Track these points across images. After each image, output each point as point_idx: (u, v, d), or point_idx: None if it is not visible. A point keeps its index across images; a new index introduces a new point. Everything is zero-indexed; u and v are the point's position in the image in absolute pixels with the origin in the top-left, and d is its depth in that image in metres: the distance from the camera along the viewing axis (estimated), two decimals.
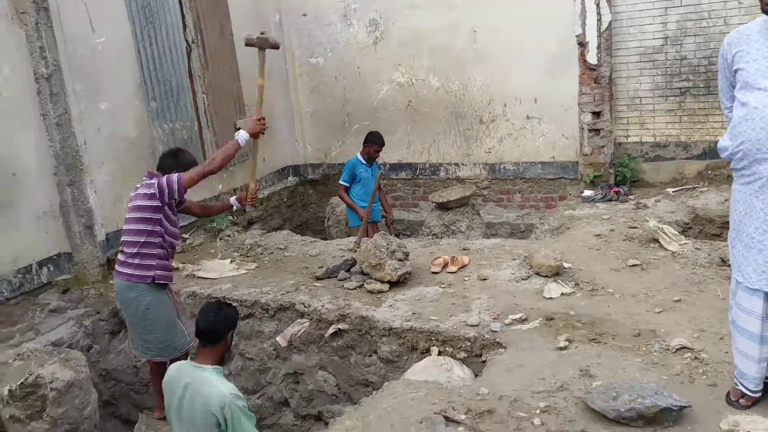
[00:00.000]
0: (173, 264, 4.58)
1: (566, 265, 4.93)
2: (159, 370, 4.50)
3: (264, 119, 4.67)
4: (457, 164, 8.15)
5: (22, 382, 4.26)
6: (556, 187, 7.69)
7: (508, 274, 4.96)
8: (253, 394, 5.20)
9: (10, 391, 4.23)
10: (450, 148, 8.15)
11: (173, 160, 4.42)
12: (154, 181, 4.20)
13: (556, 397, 3.28)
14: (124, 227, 4.32)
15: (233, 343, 3.37)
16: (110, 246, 5.94)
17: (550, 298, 4.47)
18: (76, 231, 5.74)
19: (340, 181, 6.84)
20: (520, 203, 7.95)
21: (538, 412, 3.15)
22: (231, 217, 7.47)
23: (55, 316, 5.59)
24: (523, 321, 4.19)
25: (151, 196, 4.16)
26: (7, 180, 5.26)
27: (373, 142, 6.75)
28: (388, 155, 8.35)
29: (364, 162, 6.79)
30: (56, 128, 5.54)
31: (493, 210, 8.06)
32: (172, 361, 4.47)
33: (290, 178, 9.02)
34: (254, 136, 4.54)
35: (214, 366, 3.21)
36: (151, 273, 4.21)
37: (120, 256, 4.31)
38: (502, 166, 7.91)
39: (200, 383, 3.12)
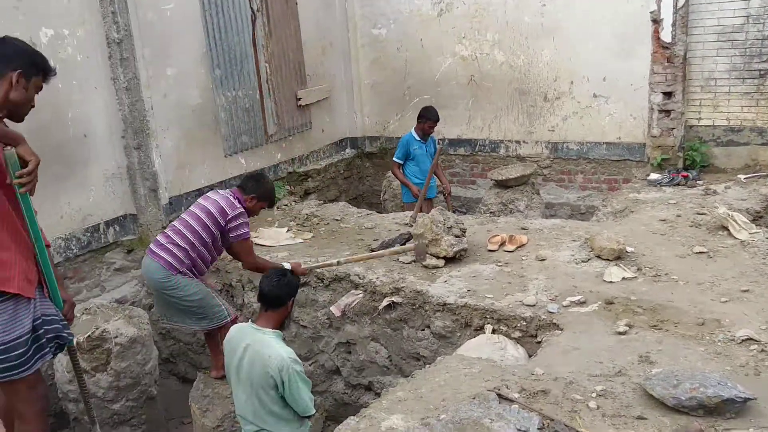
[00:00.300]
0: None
1: (629, 249, 4.79)
2: (211, 331, 4.62)
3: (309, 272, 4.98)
4: (518, 141, 8.00)
5: (89, 336, 4.46)
6: (621, 169, 7.46)
7: (568, 256, 4.86)
8: (306, 361, 5.28)
9: (78, 343, 4.42)
10: (512, 124, 8.00)
11: (255, 184, 4.56)
12: (239, 209, 4.37)
13: (613, 381, 3.21)
14: (186, 217, 4.41)
15: (292, 310, 3.42)
16: (173, 210, 6.10)
17: (611, 282, 4.35)
18: (142, 194, 5.91)
19: (394, 158, 6.80)
20: (581, 184, 7.76)
21: (594, 395, 3.10)
22: (289, 187, 7.56)
23: (119, 275, 5.81)
24: (581, 303, 4.10)
25: (224, 214, 4.32)
26: (79, 141, 5.44)
27: (428, 117, 6.67)
28: (447, 130, 8.27)
29: (418, 138, 6.73)
30: (125, 92, 5.68)
31: (554, 190, 7.89)
32: (208, 332, 4.59)
33: (347, 150, 9.05)
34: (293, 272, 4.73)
35: (274, 330, 3.27)
36: (180, 268, 4.29)
37: (160, 238, 4.40)
38: (565, 146, 7.72)
39: (260, 345, 3.18)
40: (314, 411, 3.32)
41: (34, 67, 2.73)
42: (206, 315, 4.43)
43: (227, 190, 4.57)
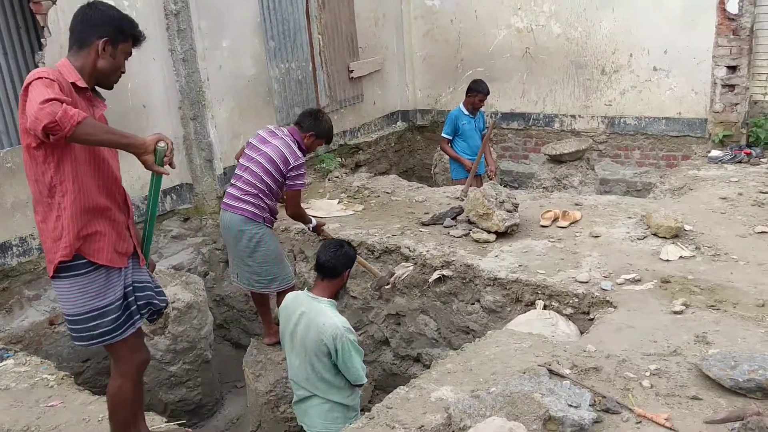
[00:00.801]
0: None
1: (687, 227, 4.66)
2: (262, 300, 4.71)
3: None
4: (573, 116, 7.82)
5: None
6: (680, 145, 7.22)
7: (623, 233, 4.77)
8: (356, 331, 5.34)
9: None
10: (567, 98, 7.82)
11: (313, 121, 4.54)
12: (301, 159, 4.39)
13: (668, 361, 3.16)
14: (250, 166, 4.39)
15: (347, 281, 3.46)
16: (227, 180, 6.19)
17: (667, 261, 4.26)
18: (197, 163, 6.04)
19: (443, 134, 6.65)
20: (638, 160, 7.55)
21: (647, 374, 3.05)
22: (340, 159, 7.59)
23: (176, 242, 5.98)
24: (636, 281, 4.03)
25: (286, 163, 4.34)
26: (138, 111, 5.58)
27: (478, 90, 6.51)
28: (500, 104, 8.15)
29: (466, 113, 6.58)
30: (182, 63, 5.78)
31: (609, 166, 7.71)
32: (259, 300, 4.67)
33: (398, 123, 9.01)
34: (316, 230, 4.84)
35: (330, 299, 3.32)
36: (263, 215, 4.38)
37: (233, 191, 4.43)
38: (622, 120, 7.51)
39: (316, 313, 3.24)
40: (366, 380, 3.37)
41: (121, 34, 2.72)
42: (278, 275, 4.50)
43: (285, 130, 4.53)
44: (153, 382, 4.81)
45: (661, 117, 7.25)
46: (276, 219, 4.61)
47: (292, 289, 4.51)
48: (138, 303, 2.70)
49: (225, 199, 4.51)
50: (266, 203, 4.41)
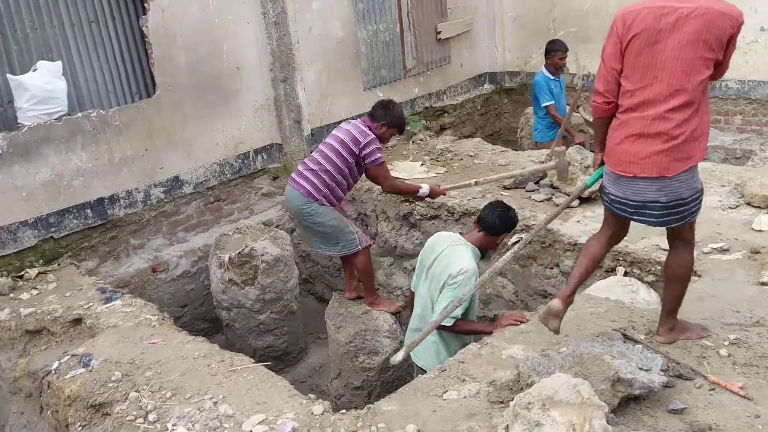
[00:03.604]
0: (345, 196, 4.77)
1: None
2: (347, 256, 4.88)
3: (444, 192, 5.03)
4: None
5: (239, 252, 4.91)
6: None
7: (715, 201, 4.60)
8: None
9: (230, 258, 4.90)
10: None
11: (384, 111, 4.59)
12: (370, 135, 4.45)
13: (749, 331, 3.09)
14: (322, 147, 4.55)
15: (498, 247, 3.75)
16: (314, 141, 6.41)
17: (760, 231, 4.09)
18: (287, 124, 6.26)
19: (546, 103, 6.42)
20: (739, 126, 7.16)
21: (726, 343, 3.01)
22: (424, 122, 7.64)
23: (266, 200, 6.27)
24: (723, 251, 3.91)
25: (356, 142, 4.43)
26: (232, 73, 5.83)
27: (556, 49, 6.35)
28: (593, 65, 7.86)
29: (551, 76, 6.45)
30: (274, 26, 5.97)
31: None
32: (344, 257, 4.80)
33: (486, 86, 8.90)
34: (433, 196, 4.91)
35: (474, 247, 3.54)
36: (318, 196, 4.43)
37: (300, 167, 4.57)
38: (723, 84, 7.11)
39: (454, 252, 3.55)
40: (440, 319, 3.28)
41: None
42: (339, 241, 4.61)
43: (358, 119, 4.67)
44: (243, 328, 5.14)
45: (766, 81, 6.82)
46: (338, 202, 4.63)
47: (358, 252, 4.62)
48: None
49: (292, 174, 4.65)
50: (327, 182, 4.44)
